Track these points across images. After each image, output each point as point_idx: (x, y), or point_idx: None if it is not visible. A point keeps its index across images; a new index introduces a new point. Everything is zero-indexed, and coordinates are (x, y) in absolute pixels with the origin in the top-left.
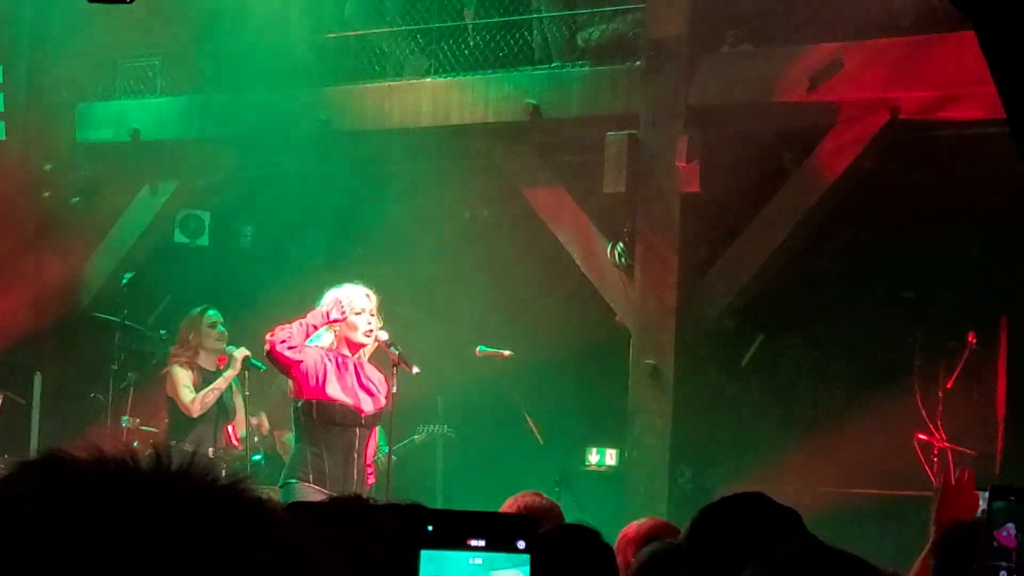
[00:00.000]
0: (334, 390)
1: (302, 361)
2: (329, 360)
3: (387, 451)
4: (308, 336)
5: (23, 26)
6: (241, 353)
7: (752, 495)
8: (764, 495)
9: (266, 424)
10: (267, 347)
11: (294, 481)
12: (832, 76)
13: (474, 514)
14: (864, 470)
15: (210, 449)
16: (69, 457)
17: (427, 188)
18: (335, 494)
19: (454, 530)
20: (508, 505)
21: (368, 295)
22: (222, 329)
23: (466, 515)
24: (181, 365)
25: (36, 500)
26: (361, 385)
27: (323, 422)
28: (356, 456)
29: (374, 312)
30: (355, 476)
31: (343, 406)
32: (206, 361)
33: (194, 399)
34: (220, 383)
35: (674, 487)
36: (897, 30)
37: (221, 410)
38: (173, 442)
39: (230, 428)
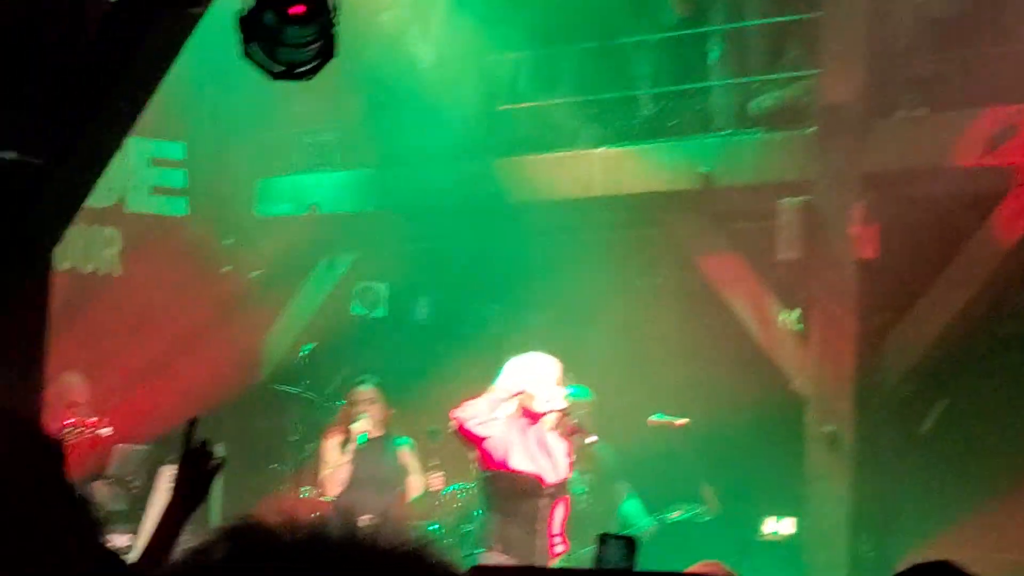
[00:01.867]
0: (518, 461)
1: (490, 437)
2: (513, 431)
3: (650, 524)
4: (494, 410)
5: (205, 104)
6: (357, 428)
7: (940, 565)
8: (951, 564)
9: (440, 482)
10: (455, 425)
11: (480, 551)
12: (1009, 139)
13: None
14: None
15: (367, 517)
16: (264, 524)
17: (600, 258)
18: (518, 564)
19: None
20: None
21: (551, 364)
22: (363, 411)
23: None
24: (331, 434)
25: (233, 566)
26: (544, 454)
27: (509, 492)
28: (541, 526)
29: (556, 382)
30: (539, 546)
31: (528, 476)
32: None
33: (323, 478)
34: (343, 460)
35: (855, 556)
36: None
37: (382, 476)
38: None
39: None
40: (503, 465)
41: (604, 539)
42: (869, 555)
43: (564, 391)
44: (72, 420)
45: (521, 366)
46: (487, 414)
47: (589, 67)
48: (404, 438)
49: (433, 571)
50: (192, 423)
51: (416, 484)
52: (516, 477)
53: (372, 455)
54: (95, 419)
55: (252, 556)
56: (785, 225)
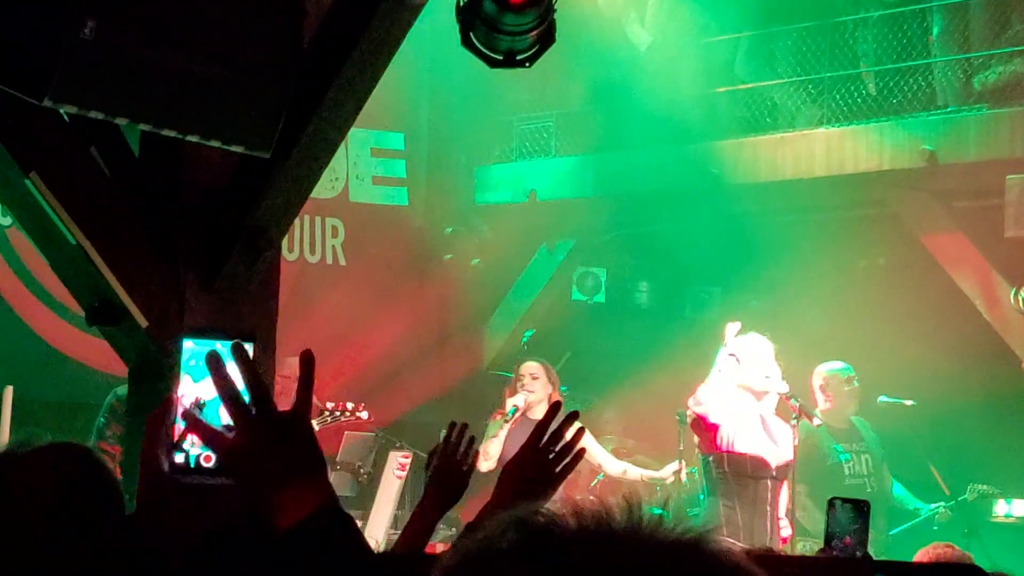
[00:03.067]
0: (743, 443)
1: (722, 424)
2: (736, 413)
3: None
4: (722, 395)
5: (423, 94)
6: (510, 404)
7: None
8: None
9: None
10: (692, 415)
11: None
12: None
13: (917, 566)
14: None
15: None
16: (549, 513)
17: (822, 238)
18: (747, 547)
19: None
20: (920, 557)
21: (766, 344)
22: (524, 388)
23: (913, 567)
24: (496, 411)
25: (520, 554)
26: (767, 436)
27: (734, 475)
28: (768, 508)
29: (772, 360)
30: (767, 528)
31: (753, 458)
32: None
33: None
34: (497, 432)
35: None
36: None
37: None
38: None
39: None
40: (729, 447)
41: (833, 503)
42: None
43: (779, 370)
44: (332, 404)
45: (737, 348)
46: (718, 400)
47: (808, 46)
48: None
49: (714, 558)
50: (455, 427)
51: (604, 457)
52: (740, 459)
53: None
54: (353, 404)
55: (539, 544)
56: (1012, 202)
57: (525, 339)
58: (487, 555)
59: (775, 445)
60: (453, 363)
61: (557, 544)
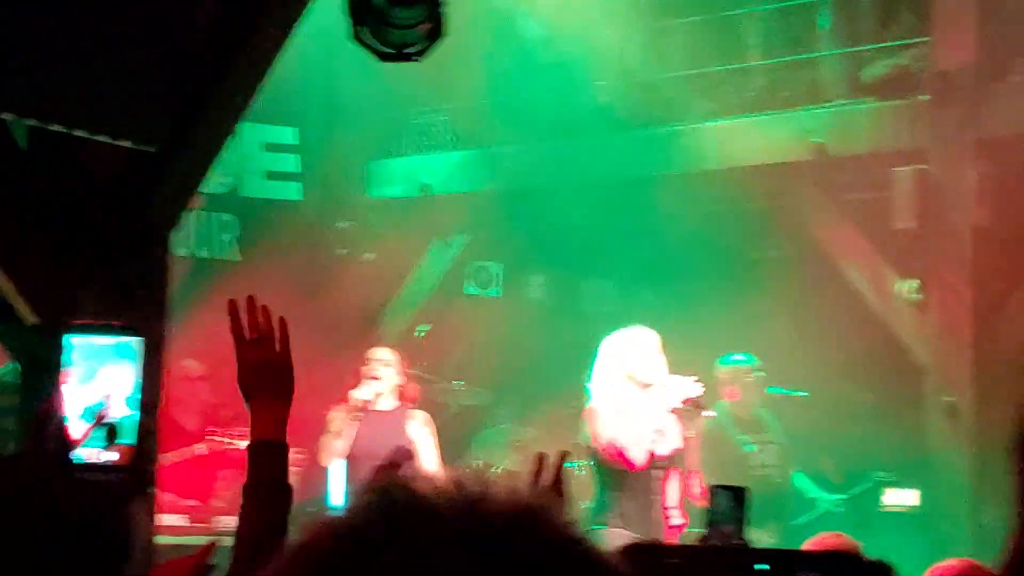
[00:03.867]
0: (628, 435)
1: (630, 447)
2: (620, 410)
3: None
4: (619, 410)
5: (316, 89)
6: (356, 396)
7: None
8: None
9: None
10: (610, 450)
11: (600, 527)
12: None
13: (797, 553)
14: None
15: None
16: (409, 486)
17: (715, 231)
18: (639, 537)
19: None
20: (808, 546)
21: (648, 336)
22: (373, 377)
23: (793, 554)
24: (341, 401)
25: (379, 528)
26: (652, 426)
27: (619, 467)
28: (655, 498)
29: (656, 353)
30: (655, 519)
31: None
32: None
33: (319, 445)
34: (341, 429)
35: (977, 527)
36: None
37: (384, 452)
38: None
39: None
40: (613, 441)
41: (713, 490)
42: (991, 528)
43: (663, 361)
44: (214, 429)
45: (617, 342)
46: (618, 419)
47: (698, 39)
48: (418, 412)
49: (549, 529)
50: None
51: (431, 462)
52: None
53: (375, 427)
54: (238, 432)
55: (392, 513)
56: (900, 194)
57: (420, 334)
58: (347, 527)
59: (661, 435)
60: (346, 358)
61: (415, 515)
